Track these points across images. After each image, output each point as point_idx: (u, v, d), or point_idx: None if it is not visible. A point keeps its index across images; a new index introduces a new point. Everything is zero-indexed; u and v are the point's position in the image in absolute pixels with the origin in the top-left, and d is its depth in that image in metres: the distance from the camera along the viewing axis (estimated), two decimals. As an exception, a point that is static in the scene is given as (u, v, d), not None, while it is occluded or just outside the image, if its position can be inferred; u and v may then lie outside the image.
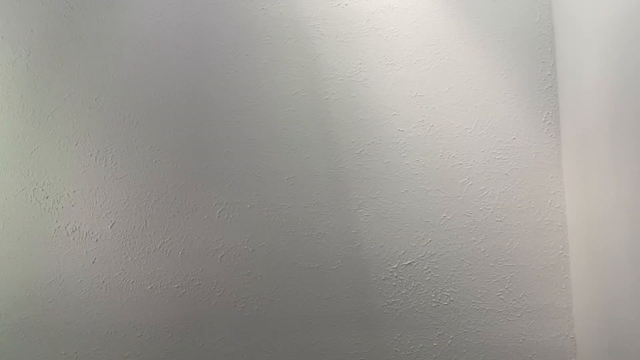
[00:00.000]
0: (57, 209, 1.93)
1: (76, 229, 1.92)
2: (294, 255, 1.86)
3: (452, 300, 1.81)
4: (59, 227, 1.92)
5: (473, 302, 1.80)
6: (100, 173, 1.94)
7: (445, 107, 1.87)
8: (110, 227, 1.92)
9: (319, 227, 1.86)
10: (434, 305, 1.81)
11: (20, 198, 1.94)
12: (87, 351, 1.88)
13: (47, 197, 1.93)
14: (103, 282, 1.90)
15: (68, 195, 1.93)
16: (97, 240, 1.91)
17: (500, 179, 1.83)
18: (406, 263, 1.83)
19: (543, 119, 1.83)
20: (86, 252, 1.91)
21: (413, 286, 1.82)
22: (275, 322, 1.85)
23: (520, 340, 1.78)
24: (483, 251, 1.82)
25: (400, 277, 1.83)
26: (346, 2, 1.93)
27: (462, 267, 1.82)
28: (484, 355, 1.78)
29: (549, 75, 1.84)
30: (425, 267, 1.83)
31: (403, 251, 1.84)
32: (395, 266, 1.83)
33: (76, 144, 1.95)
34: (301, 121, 1.90)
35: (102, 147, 1.94)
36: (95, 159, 1.94)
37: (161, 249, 1.90)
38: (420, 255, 1.83)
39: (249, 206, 1.88)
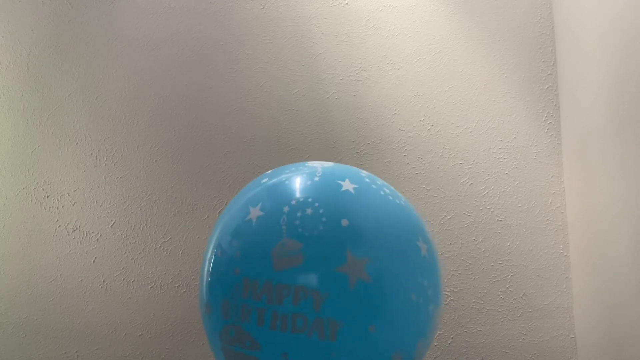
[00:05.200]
0: (57, 208, 1.93)
1: (77, 228, 1.92)
2: (294, 255, 1.86)
3: (453, 300, 1.80)
4: (59, 226, 1.93)
5: (473, 302, 1.80)
6: (100, 172, 1.94)
7: (446, 107, 1.86)
8: (111, 226, 1.92)
9: (319, 226, 1.86)
10: (434, 304, 1.81)
11: (21, 197, 1.94)
12: (88, 350, 1.88)
13: (47, 197, 1.94)
14: (104, 281, 1.90)
15: (69, 195, 1.94)
16: (97, 239, 1.92)
17: (501, 179, 1.83)
18: (406, 262, 1.83)
19: (544, 119, 1.83)
20: (87, 251, 1.91)
21: (413, 286, 1.82)
22: (275, 322, 1.85)
23: (521, 340, 1.78)
24: (483, 251, 1.82)
25: (401, 277, 1.83)
26: (347, 2, 1.93)
27: (463, 267, 1.81)
28: (484, 355, 1.78)
29: (549, 74, 1.84)
30: (426, 267, 1.82)
31: (403, 251, 1.83)
32: (395, 266, 1.83)
33: (77, 144, 1.95)
34: (301, 121, 1.90)
35: (102, 147, 1.95)
36: (96, 159, 1.94)
37: (162, 248, 1.90)
38: (420, 255, 1.83)
39: (249, 206, 1.88)
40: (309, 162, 1.18)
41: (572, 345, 1.76)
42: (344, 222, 1.02)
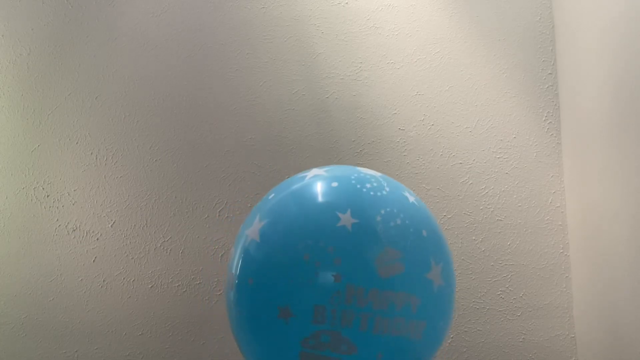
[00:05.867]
0: (57, 208, 1.93)
1: (77, 228, 1.92)
2: (294, 255, 1.86)
3: (452, 300, 1.81)
4: (59, 225, 1.93)
5: (473, 301, 1.80)
6: (100, 172, 1.94)
7: (446, 106, 1.86)
8: (111, 225, 1.92)
9: (319, 226, 1.86)
10: (434, 304, 1.81)
11: (21, 197, 1.94)
12: (88, 350, 1.88)
13: (47, 196, 1.94)
14: (104, 280, 1.90)
15: (69, 194, 1.94)
16: (97, 239, 1.92)
17: (501, 178, 1.83)
18: (406, 262, 1.83)
19: (543, 118, 1.83)
20: (87, 250, 1.92)
21: (413, 285, 1.82)
22: (275, 321, 1.85)
23: (521, 340, 1.78)
24: (483, 250, 1.82)
25: (401, 277, 1.83)
26: (346, 1, 1.93)
27: (463, 266, 1.82)
28: (484, 355, 1.78)
29: (549, 74, 1.84)
30: (426, 267, 1.82)
31: (403, 250, 1.83)
32: (395, 265, 1.83)
33: (77, 143, 1.96)
34: (301, 120, 1.90)
35: (102, 146, 1.95)
36: (96, 158, 1.95)
37: (162, 247, 1.90)
38: (420, 255, 1.83)
39: (249, 205, 1.88)
40: (359, 168, 1.23)
41: (572, 345, 1.76)
42: (424, 233, 1.12)
